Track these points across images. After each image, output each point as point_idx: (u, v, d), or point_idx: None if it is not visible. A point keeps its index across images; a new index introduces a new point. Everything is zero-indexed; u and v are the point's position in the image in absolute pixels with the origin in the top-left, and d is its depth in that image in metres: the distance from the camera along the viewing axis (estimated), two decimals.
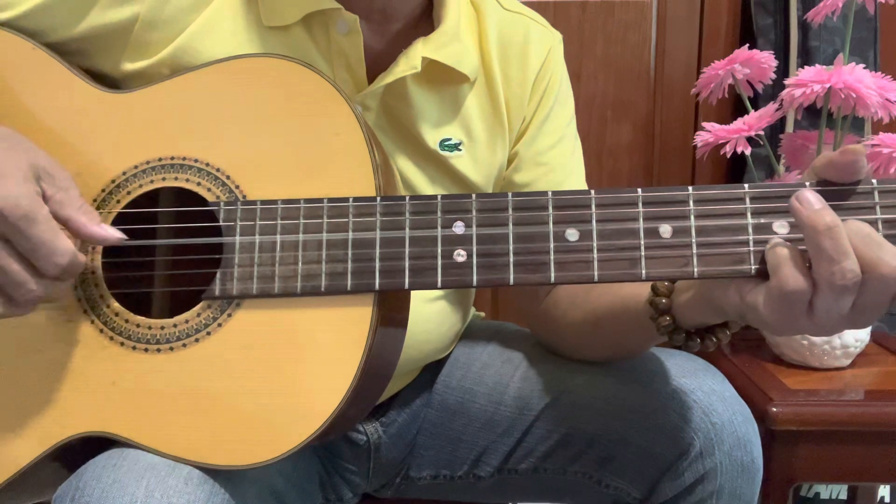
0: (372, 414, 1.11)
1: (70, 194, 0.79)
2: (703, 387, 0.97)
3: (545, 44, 1.10)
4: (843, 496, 1.85)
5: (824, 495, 1.87)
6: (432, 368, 1.15)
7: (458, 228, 0.78)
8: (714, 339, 0.84)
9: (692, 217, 0.74)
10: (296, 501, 1.01)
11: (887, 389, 1.36)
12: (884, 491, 1.82)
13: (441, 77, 1.01)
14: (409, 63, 0.96)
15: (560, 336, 1.07)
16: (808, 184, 0.72)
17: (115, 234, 0.81)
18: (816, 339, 1.38)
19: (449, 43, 0.99)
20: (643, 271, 0.75)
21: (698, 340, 0.84)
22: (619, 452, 1.00)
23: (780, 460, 1.29)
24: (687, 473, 0.95)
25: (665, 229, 0.75)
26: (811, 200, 0.69)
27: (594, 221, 0.76)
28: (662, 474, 0.97)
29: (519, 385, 1.08)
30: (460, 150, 1.04)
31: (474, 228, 0.78)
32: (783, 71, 1.63)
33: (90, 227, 0.79)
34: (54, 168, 0.78)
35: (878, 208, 0.71)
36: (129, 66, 0.94)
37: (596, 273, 0.76)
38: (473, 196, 0.79)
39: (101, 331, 0.83)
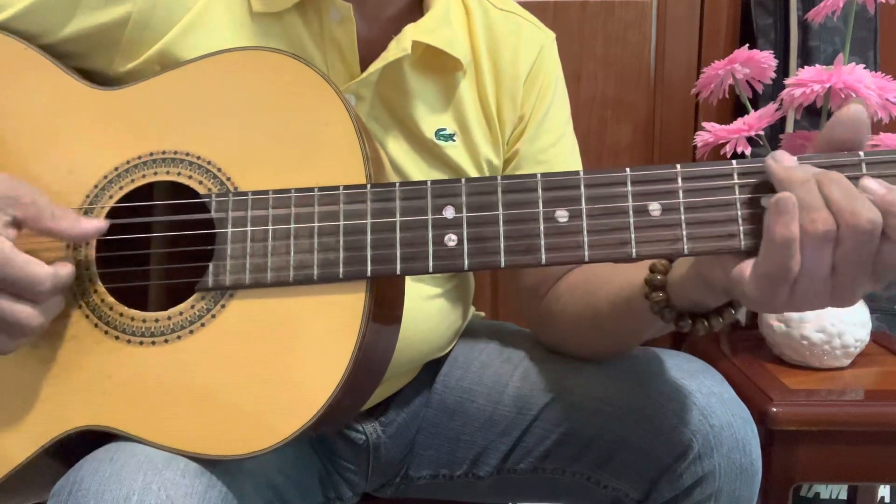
0: (371, 414, 1.11)
1: (39, 206, 0.78)
2: (703, 388, 0.97)
3: (536, 41, 1.11)
4: (843, 496, 1.85)
5: (824, 495, 1.87)
6: (431, 368, 1.15)
7: (449, 213, 0.78)
8: (706, 324, 0.84)
9: (681, 194, 0.75)
10: (295, 498, 1.01)
11: (887, 389, 1.36)
12: (884, 491, 1.82)
13: (435, 64, 1.01)
14: (399, 47, 0.96)
15: (561, 332, 1.07)
16: (795, 157, 0.72)
17: (95, 225, 0.81)
18: (816, 339, 1.38)
19: (438, 27, 0.99)
20: (633, 250, 0.75)
21: (689, 322, 0.84)
22: (618, 453, 1.00)
23: (780, 460, 1.28)
24: (685, 475, 0.95)
25: (654, 207, 0.75)
26: (784, 158, 0.71)
27: (583, 202, 0.76)
28: (661, 475, 0.97)
29: (518, 385, 1.08)
30: (454, 140, 1.04)
31: (464, 212, 0.78)
32: (783, 71, 1.63)
33: (70, 231, 0.80)
34: (14, 188, 0.78)
35: None
36: (123, 65, 0.93)
37: (587, 253, 0.76)
38: (463, 180, 0.79)
39: (96, 325, 0.83)
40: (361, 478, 1.14)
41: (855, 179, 0.70)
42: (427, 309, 1.05)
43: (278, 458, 0.79)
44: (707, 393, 0.96)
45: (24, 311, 0.76)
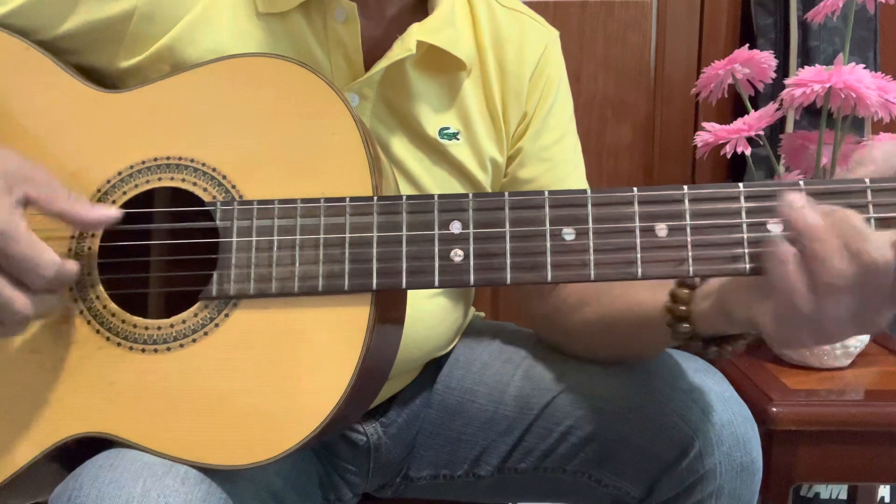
0: (372, 414, 1.11)
1: (53, 188, 0.77)
2: (703, 387, 0.97)
3: (541, 39, 1.10)
4: (843, 496, 1.85)
5: (824, 495, 1.87)
6: (432, 368, 1.15)
7: (455, 228, 0.78)
8: (730, 349, 0.84)
9: (687, 216, 0.75)
10: (295, 502, 1.01)
11: (887, 389, 1.36)
12: (884, 491, 1.83)
13: (438, 64, 1.01)
14: (404, 46, 0.96)
15: (569, 335, 1.07)
16: (801, 182, 0.73)
17: (111, 213, 0.80)
18: None
19: (443, 27, 0.99)
20: (639, 270, 0.75)
21: (715, 349, 0.84)
22: (619, 452, 1.00)
23: (780, 460, 1.28)
24: (686, 473, 0.95)
25: (661, 228, 0.75)
26: (794, 200, 0.70)
27: (590, 221, 0.76)
28: (662, 474, 0.97)
29: (519, 384, 1.08)
30: (458, 139, 1.04)
31: (471, 228, 0.78)
32: (783, 71, 1.63)
33: (85, 213, 0.78)
34: (28, 168, 0.77)
35: (870, 207, 0.72)
36: (126, 61, 0.93)
37: (592, 272, 0.76)
38: (470, 195, 0.79)
39: (98, 331, 0.82)
40: (362, 478, 1.14)
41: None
42: (428, 308, 1.05)
43: (278, 462, 0.79)
44: (707, 391, 0.96)
45: (16, 295, 0.74)
